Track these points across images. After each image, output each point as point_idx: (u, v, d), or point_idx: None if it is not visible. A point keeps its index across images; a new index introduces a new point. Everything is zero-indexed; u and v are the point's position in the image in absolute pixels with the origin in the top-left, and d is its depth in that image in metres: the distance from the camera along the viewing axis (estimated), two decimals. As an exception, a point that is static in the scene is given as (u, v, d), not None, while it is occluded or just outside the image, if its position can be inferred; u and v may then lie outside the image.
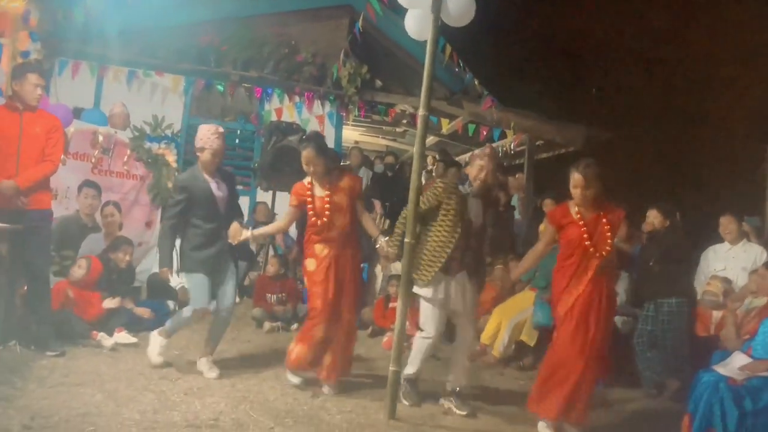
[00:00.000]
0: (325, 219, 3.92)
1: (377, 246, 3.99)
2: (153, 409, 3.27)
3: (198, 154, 4.06)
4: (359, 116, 8.88)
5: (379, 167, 8.90)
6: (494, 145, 9.44)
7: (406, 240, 3.56)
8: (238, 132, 8.05)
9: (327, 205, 3.93)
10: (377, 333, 5.69)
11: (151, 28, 7.06)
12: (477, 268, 3.88)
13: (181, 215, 4.03)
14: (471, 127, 8.37)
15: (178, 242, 4.15)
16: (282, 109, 7.83)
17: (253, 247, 6.65)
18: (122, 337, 4.49)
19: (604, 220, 3.60)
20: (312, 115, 7.94)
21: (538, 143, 8.78)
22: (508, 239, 4.16)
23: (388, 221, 7.01)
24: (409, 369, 3.88)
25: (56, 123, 4.22)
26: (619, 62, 14.76)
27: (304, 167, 3.97)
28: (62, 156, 4.42)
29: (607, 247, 3.56)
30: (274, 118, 7.74)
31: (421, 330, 3.90)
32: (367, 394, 3.92)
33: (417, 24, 3.64)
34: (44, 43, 5.62)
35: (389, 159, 8.32)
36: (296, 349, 3.92)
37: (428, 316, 3.82)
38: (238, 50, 7.65)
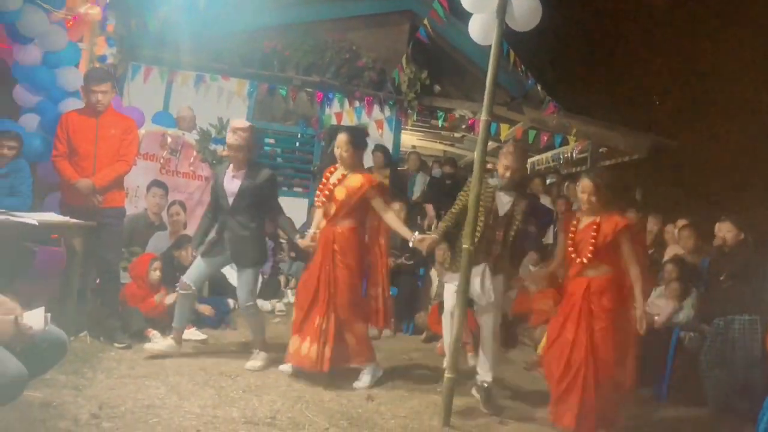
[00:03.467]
0: (318, 204, 4.11)
1: (411, 243, 4.01)
2: (213, 404, 3.35)
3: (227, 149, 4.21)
4: (418, 121, 8.89)
5: (436, 172, 8.88)
6: (556, 151, 9.28)
7: (465, 246, 3.53)
8: (299, 135, 8.20)
9: (327, 192, 4.06)
10: (432, 338, 5.66)
11: (218, 34, 7.29)
12: (499, 260, 3.91)
13: (211, 204, 4.29)
14: (531, 133, 8.23)
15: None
16: (342, 113, 7.94)
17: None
18: (192, 333, 4.62)
19: (595, 226, 3.65)
20: (371, 120, 8.00)
21: (601, 150, 8.55)
22: (534, 238, 4.17)
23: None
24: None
25: (131, 124, 4.41)
26: (687, 70, 14.23)
27: (335, 150, 4.10)
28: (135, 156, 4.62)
29: (588, 254, 3.62)
30: (334, 122, 7.85)
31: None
32: (422, 400, 3.90)
33: (481, 29, 3.61)
34: (119, 48, 5.89)
35: (448, 168, 8.26)
36: (292, 343, 4.06)
37: (448, 299, 3.96)
38: (300, 55, 7.80)
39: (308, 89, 7.88)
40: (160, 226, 5.59)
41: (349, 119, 7.82)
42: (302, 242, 4.18)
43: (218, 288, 5.86)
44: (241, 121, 4.17)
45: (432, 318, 5.80)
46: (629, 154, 8.45)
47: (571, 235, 3.73)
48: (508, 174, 3.89)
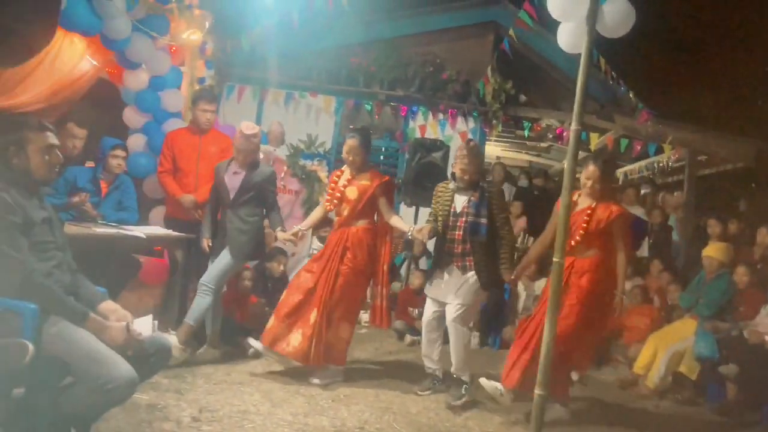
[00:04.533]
0: (329, 206, 4.21)
1: (409, 236, 4.18)
2: (304, 412, 3.45)
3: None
4: (503, 132, 8.78)
5: (522, 182, 8.72)
6: (650, 160, 8.86)
7: (555, 259, 3.44)
8: (383, 149, 8.31)
9: (338, 194, 4.16)
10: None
11: (306, 52, 7.54)
12: (464, 260, 3.97)
13: (212, 196, 4.34)
14: (623, 141, 7.92)
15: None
16: (426, 126, 7.97)
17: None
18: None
19: (589, 211, 3.79)
20: (455, 132, 7.99)
21: (699, 158, 8.09)
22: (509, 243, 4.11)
23: (531, 238, 6.84)
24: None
25: (229, 143, 4.67)
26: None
27: (344, 155, 4.18)
28: None
29: (577, 236, 3.76)
30: (417, 135, 7.90)
31: None
32: (509, 416, 3.83)
33: (570, 37, 3.53)
34: (216, 70, 6.23)
35: (539, 181, 8.09)
36: (270, 323, 4.14)
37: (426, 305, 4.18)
38: (385, 70, 7.92)
39: (393, 103, 7.99)
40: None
41: (433, 132, 7.84)
42: (281, 235, 4.30)
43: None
44: (252, 126, 4.26)
45: (518, 332, 5.68)
46: (732, 161, 7.93)
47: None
48: (466, 177, 3.98)
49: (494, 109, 7.97)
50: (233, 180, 4.23)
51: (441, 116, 8.03)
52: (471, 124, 8.10)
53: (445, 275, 4.03)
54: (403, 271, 6.74)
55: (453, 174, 4.15)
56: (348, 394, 3.89)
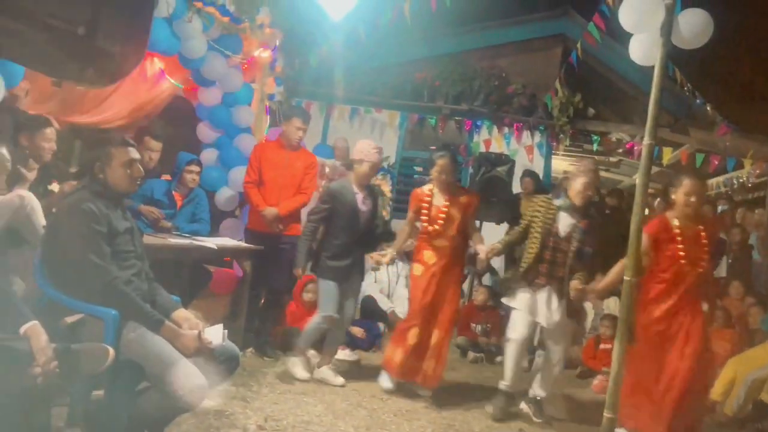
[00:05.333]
0: (437, 227, 4.08)
1: (478, 256, 4.09)
2: (366, 426, 3.45)
3: (355, 165, 4.24)
4: (570, 146, 8.60)
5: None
6: (728, 176, 8.45)
7: (626, 278, 3.33)
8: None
9: (442, 215, 4.08)
10: (586, 374, 5.37)
11: (372, 68, 7.65)
12: (562, 284, 3.80)
13: (322, 221, 4.19)
14: (699, 156, 7.59)
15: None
16: (490, 140, 7.91)
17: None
18: (345, 354, 4.81)
19: (703, 234, 3.59)
20: (521, 146, 7.88)
21: (784, 174, 7.64)
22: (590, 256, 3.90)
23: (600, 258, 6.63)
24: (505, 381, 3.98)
25: (314, 160, 4.80)
26: None
27: (435, 174, 4.12)
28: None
29: (703, 263, 3.57)
30: (482, 149, 7.85)
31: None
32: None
33: (643, 49, 3.42)
34: (285, 86, 6.41)
35: (612, 201, 7.83)
36: (396, 354, 4.08)
37: (514, 320, 3.96)
38: (449, 85, 7.94)
39: (457, 117, 7.97)
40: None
41: (497, 146, 7.77)
42: (376, 256, 4.33)
43: (369, 311, 6.06)
44: (374, 142, 4.27)
45: (587, 353, 5.51)
46: (821, 177, 7.46)
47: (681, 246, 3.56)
48: (589, 192, 3.84)
49: (561, 123, 7.82)
50: (364, 205, 4.21)
51: (506, 130, 7.95)
52: (537, 138, 7.98)
53: (540, 295, 3.87)
54: (465, 286, 6.68)
55: (556, 189, 4.15)
56: (409, 409, 3.87)
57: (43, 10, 1.01)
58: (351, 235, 4.16)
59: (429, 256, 4.15)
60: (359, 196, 4.20)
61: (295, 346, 4.26)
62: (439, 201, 4.16)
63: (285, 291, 4.89)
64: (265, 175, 4.59)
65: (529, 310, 3.90)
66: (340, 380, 4.14)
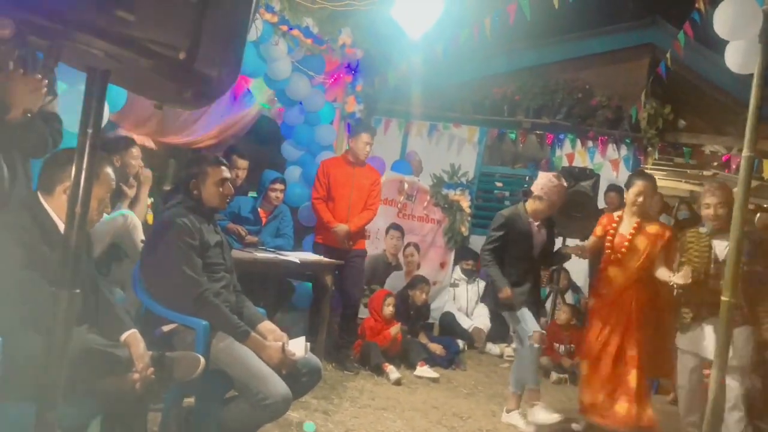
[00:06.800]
0: (618, 256, 3.85)
1: (674, 283, 3.63)
2: (446, 444, 3.42)
3: (533, 198, 4.01)
4: (660, 159, 8.23)
5: (682, 213, 8.05)
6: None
7: (723, 298, 3.13)
8: (527, 178, 8.14)
9: (626, 243, 3.83)
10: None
11: (450, 84, 7.65)
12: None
13: (499, 248, 3.97)
14: (804, 168, 7.05)
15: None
16: (574, 154, 7.69)
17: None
18: (424, 371, 4.79)
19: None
20: (606, 160, 7.61)
21: None
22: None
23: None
24: None
25: (378, 177, 4.91)
26: None
27: (633, 197, 3.87)
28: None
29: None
30: (565, 163, 7.64)
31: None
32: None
33: (740, 56, 3.26)
34: (365, 104, 6.53)
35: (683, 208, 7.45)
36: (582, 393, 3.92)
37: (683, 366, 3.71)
38: (530, 98, 7.80)
39: (538, 132, 7.82)
40: (397, 266, 5.95)
41: (581, 160, 7.54)
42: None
43: (448, 329, 6.02)
44: (557, 179, 4.04)
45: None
46: None
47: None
48: (719, 212, 3.57)
49: (650, 136, 7.49)
50: (539, 234, 4.02)
51: (590, 144, 7.71)
52: (623, 151, 7.68)
53: (707, 328, 3.59)
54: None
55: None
56: (490, 429, 3.80)
57: (148, 37, 1.08)
58: (525, 263, 3.99)
59: (607, 287, 3.97)
60: (534, 226, 3.99)
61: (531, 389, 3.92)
62: (625, 228, 3.91)
63: (359, 304, 4.95)
64: (334, 192, 4.68)
65: (695, 347, 3.64)
66: (551, 417, 3.79)
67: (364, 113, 6.23)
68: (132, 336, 2.19)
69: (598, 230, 4.03)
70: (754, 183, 7.93)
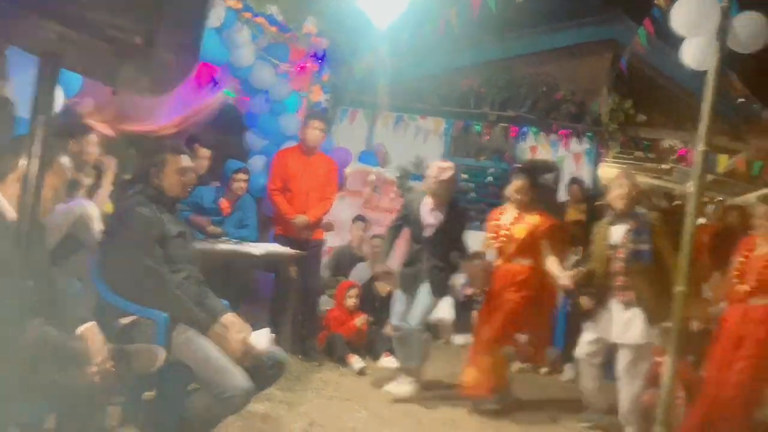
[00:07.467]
0: (500, 245, 4.13)
1: (561, 284, 4.00)
2: (410, 434, 3.44)
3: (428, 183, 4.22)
4: (620, 153, 8.40)
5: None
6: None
7: (678, 288, 3.22)
8: (491, 170, 8.22)
9: (504, 233, 4.07)
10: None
11: (417, 75, 7.66)
12: (624, 295, 3.74)
13: (398, 228, 4.37)
14: (756, 164, 7.30)
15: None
16: (537, 147, 7.79)
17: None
18: (387, 361, 4.80)
19: (526, 223, 3.98)
20: (568, 153, 7.74)
21: None
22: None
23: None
24: None
25: (334, 165, 4.85)
26: None
27: (512, 193, 4.15)
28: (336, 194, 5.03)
29: (753, 283, 3.45)
30: (528, 156, 7.74)
31: None
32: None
33: (697, 53, 3.33)
34: (331, 94, 6.49)
35: (664, 203, 7.63)
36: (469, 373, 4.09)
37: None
38: (495, 91, 7.87)
39: (503, 124, 7.89)
40: (363, 258, 5.95)
41: (544, 153, 7.65)
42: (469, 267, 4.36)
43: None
44: (445, 167, 4.18)
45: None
46: None
47: (742, 259, 3.48)
48: (621, 205, 3.77)
49: (611, 130, 7.65)
50: (430, 217, 4.16)
51: (553, 137, 7.82)
52: (585, 144, 7.82)
53: (608, 312, 3.78)
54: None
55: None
56: (456, 419, 3.83)
57: (103, 20, 1.04)
58: (416, 245, 4.22)
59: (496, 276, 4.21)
60: (427, 209, 4.15)
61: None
62: (507, 219, 4.17)
63: (319, 294, 4.95)
64: (291, 183, 4.64)
65: (599, 331, 3.83)
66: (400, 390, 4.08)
67: (331, 103, 6.19)
68: (89, 329, 2.14)
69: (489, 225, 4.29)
70: (709, 177, 8.21)
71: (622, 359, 3.70)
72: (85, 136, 3.52)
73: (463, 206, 4.43)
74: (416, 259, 4.19)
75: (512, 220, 4.14)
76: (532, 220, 4.10)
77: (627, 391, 3.69)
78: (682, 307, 3.21)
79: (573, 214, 6.25)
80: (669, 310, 3.35)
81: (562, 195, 6.64)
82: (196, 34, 1.20)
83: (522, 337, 5.69)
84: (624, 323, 3.68)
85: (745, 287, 3.46)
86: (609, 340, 3.76)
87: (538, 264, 4.08)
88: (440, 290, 4.22)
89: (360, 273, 5.74)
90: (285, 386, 3.79)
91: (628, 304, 3.69)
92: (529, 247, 4.06)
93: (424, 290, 4.12)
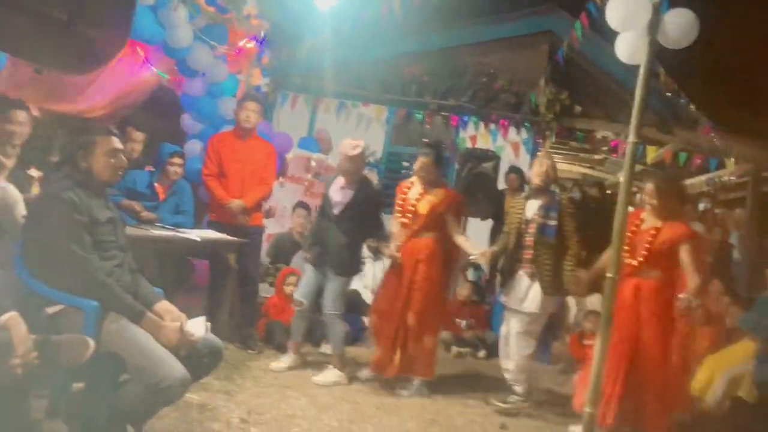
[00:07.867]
0: (406, 220, 4.20)
1: (472, 258, 4.22)
2: (349, 419, 3.46)
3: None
4: (556, 143, 8.65)
5: (575, 194, 8.54)
6: (710, 175, 8.55)
7: (609, 275, 3.35)
8: (433, 158, 8.29)
9: (411, 208, 4.17)
10: (568, 370, 5.41)
11: (360, 62, 7.61)
12: (531, 267, 4.01)
13: (320, 209, 4.43)
14: (682, 155, 7.67)
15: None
16: (476, 136, 7.91)
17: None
18: (328, 347, 4.80)
19: (653, 231, 3.66)
20: (507, 142, 7.90)
21: (765, 174, 7.75)
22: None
23: (584, 252, 6.68)
24: None
25: (272, 149, 4.78)
26: None
27: (416, 170, 4.24)
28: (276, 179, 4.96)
29: (639, 257, 3.63)
30: (468, 145, 7.85)
31: None
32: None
33: (629, 48, 3.44)
34: (272, 78, 6.38)
35: (595, 191, 7.93)
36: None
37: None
38: (438, 80, 7.92)
39: (444, 113, 7.96)
40: (304, 245, 5.89)
41: (484, 142, 7.78)
42: (388, 251, 4.35)
43: (353, 305, 6.04)
44: (354, 145, 4.24)
45: (575, 349, 5.54)
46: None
47: (630, 234, 3.66)
48: (538, 181, 4.05)
49: (548, 120, 7.85)
50: (339, 195, 4.23)
51: (492, 126, 7.96)
52: (524, 134, 8.00)
53: (516, 283, 4.06)
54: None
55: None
56: (393, 404, 3.88)
57: (25, -6, 0.98)
58: (322, 222, 4.31)
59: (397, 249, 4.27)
60: (335, 187, 4.25)
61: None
62: (414, 194, 4.25)
63: (257, 282, 4.91)
64: (227, 168, 4.54)
65: (508, 301, 4.11)
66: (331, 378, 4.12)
67: (271, 87, 6.08)
68: (12, 318, 2.03)
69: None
70: (639, 167, 8.54)
71: (516, 325, 4.03)
72: (7, 113, 3.30)
73: (377, 186, 4.46)
74: (324, 237, 4.25)
75: (417, 196, 4.23)
76: (436, 195, 4.20)
77: (518, 353, 4.03)
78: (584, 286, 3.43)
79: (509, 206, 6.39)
80: (563, 284, 3.93)
81: (501, 183, 6.77)
82: (125, 11, 1.15)
83: (463, 323, 5.85)
84: (524, 292, 3.99)
85: (634, 261, 3.65)
86: (513, 308, 4.04)
87: (444, 237, 4.21)
88: (347, 269, 4.26)
89: (301, 260, 5.69)
90: (222, 375, 3.73)
91: (532, 276, 3.98)
92: (435, 222, 4.18)
93: (331, 274, 4.20)
